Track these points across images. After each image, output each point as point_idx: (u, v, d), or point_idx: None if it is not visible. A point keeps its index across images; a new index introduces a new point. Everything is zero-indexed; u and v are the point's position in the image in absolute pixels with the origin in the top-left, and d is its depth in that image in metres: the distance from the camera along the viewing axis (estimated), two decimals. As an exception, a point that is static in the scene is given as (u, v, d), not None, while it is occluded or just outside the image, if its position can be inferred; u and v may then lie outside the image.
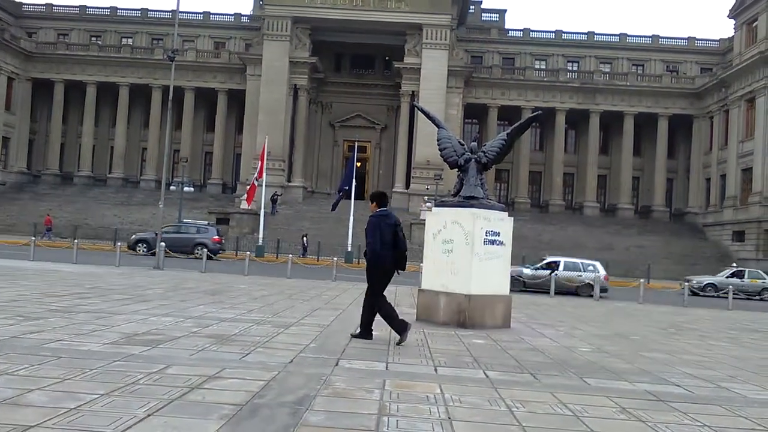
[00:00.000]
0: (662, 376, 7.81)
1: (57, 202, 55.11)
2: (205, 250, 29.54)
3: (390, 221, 9.13)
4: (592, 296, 23.83)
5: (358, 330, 9.22)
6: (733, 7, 56.22)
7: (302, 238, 42.60)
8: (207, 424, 4.58)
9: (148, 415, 4.68)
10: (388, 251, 8.99)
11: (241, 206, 49.82)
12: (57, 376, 5.68)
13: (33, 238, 28.75)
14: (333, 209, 42.80)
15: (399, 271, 9.23)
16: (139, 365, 6.34)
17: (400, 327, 8.96)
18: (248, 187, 43.45)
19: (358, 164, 50.50)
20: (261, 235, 40.85)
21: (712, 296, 31.52)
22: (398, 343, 8.83)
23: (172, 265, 26.81)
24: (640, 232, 55.24)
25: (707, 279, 34.63)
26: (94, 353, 6.86)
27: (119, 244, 27.91)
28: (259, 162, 42.50)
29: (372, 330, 9.19)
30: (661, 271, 43.87)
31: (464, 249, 11.17)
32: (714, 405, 6.34)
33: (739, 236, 52.08)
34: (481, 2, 72.01)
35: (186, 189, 50.41)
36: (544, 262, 27.72)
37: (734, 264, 41.02)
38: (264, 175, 41.54)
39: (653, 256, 47.59)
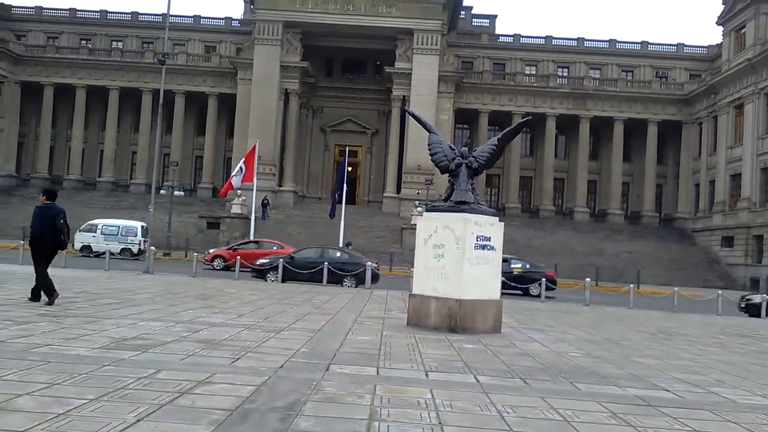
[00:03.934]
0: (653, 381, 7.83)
1: (46, 206, 54.71)
2: None
3: (52, 212, 11.37)
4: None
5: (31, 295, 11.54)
6: (721, 14, 56.65)
7: (347, 246, 41.65)
8: (197, 429, 4.56)
9: (138, 420, 4.65)
10: (49, 236, 11.33)
11: (232, 210, 49.74)
12: (46, 380, 5.64)
13: (22, 242, 28.55)
14: (331, 216, 42.64)
15: (60, 250, 11.95)
16: (128, 370, 6.30)
17: (34, 296, 11.48)
18: (238, 176, 40.52)
19: (349, 169, 50.49)
20: (251, 240, 40.63)
21: None
22: (29, 299, 11.47)
23: (160, 269, 26.70)
24: (630, 238, 55.47)
25: None
26: (83, 358, 6.81)
27: (108, 247, 27.77)
28: (243, 161, 40.45)
29: (40, 294, 11.41)
30: (651, 276, 44.08)
31: (455, 254, 11.17)
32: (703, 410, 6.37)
33: (728, 242, 52.40)
34: (471, 8, 72.24)
35: (176, 193, 50.23)
36: None
37: None
38: (254, 179, 40.99)
39: (642, 261, 47.80)
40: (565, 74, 65.44)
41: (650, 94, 61.15)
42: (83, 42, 67.07)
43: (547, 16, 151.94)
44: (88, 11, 69.51)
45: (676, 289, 24.27)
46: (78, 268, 23.89)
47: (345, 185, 41.49)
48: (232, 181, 39.70)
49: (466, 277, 11.13)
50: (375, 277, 24.86)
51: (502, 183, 63.22)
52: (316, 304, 15.34)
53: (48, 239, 11.40)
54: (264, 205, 51.37)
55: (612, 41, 67.54)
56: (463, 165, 11.77)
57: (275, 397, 5.65)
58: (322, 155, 64.31)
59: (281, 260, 24.94)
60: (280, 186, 58.23)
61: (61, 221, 11.44)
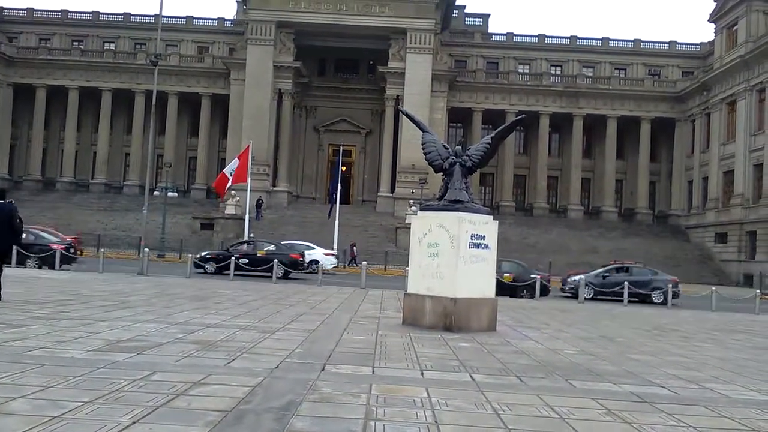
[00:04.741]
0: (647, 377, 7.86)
1: (39, 208, 54.50)
2: None
3: (6, 211, 11.97)
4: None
5: None
6: (713, 11, 56.83)
7: (351, 246, 41.55)
8: (192, 430, 4.55)
9: (133, 423, 4.64)
10: (3, 234, 11.94)
11: (226, 211, 49.65)
12: (40, 383, 5.62)
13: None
14: (329, 216, 42.80)
15: (17, 247, 13.00)
16: (123, 372, 6.28)
17: None
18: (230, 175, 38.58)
19: (343, 168, 50.46)
20: (246, 240, 40.56)
21: None
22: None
23: (154, 270, 26.62)
24: (624, 235, 55.61)
25: None
26: (78, 360, 6.79)
27: (102, 250, 27.69)
28: (237, 160, 39.22)
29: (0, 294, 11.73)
30: (645, 273, 44.13)
31: (450, 252, 11.17)
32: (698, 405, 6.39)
33: (721, 238, 52.58)
34: (464, 7, 72.31)
35: (170, 194, 50.02)
36: None
37: None
38: (248, 179, 40.72)
39: (636, 258, 47.73)
40: (558, 72, 65.57)
41: (643, 91, 61.31)
42: (75, 43, 66.86)
43: (539, 15, 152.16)
44: (80, 12, 69.36)
45: (670, 285, 24.34)
46: (71, 270, 23.83)
47: (339, 185, 41.60)
48: (227, 177, 38.59)
49: (461, 276, 11.13)
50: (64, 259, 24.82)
51: (496, 181, 63.32)
52: (311, 305, 15.33)
53: (3, 237, 12.00)
54: (258, 205, 51.33)
55: (605, 39, 67.70)
56: (457, 164, 11.77)
57: (271, 397, 5.64)
58: (316, 155, 64.27)
59: None
60: (274, 186, 58.17)
61: (18, 220, 12.24)
